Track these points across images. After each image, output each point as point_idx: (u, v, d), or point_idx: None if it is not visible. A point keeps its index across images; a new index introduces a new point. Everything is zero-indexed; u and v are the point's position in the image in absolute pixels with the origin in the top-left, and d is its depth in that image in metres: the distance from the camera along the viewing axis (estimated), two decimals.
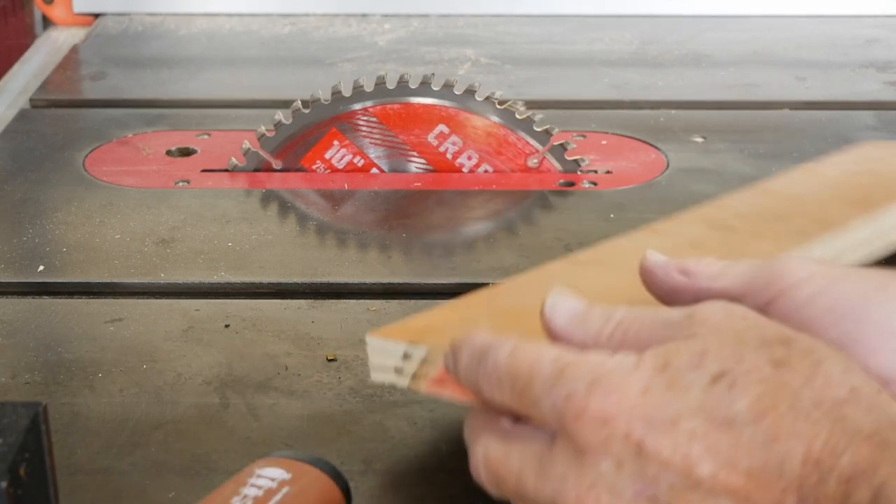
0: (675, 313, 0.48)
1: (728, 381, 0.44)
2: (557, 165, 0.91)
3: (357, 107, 0.90)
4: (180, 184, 0.90)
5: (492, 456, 0.49)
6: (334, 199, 0.88)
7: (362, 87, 0.90)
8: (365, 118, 0.90)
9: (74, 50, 1.23)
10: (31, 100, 1.09)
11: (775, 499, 0.42)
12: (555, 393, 0.46)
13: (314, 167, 0.91)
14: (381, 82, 0.90)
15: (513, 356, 0.48)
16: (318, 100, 0.90)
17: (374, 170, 0.92)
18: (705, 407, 0.44)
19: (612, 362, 0.46)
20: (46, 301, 0.74)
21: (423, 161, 0.91)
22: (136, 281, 0.76)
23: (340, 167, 0.91)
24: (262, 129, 0.92)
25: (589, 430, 0.45)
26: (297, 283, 0.75)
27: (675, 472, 0.44)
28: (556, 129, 0.91)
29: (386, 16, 1.35)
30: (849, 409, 0.43)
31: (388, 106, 0.90)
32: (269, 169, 0.91)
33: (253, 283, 0.76)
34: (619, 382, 0.45)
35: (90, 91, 1.14)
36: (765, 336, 0.45)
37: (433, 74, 0.90)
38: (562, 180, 0.91)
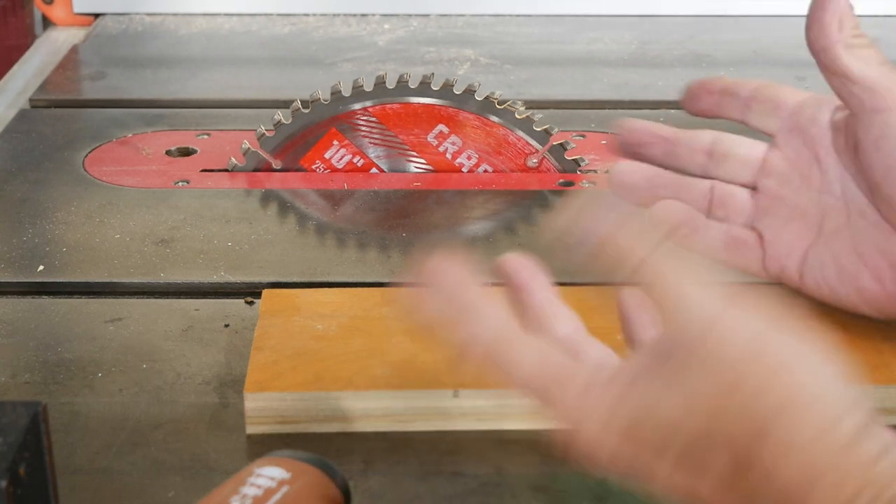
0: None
1: (697, 454, 0.45)
2: (557, 165, 0.91)
3: (357, 106, 0.90)
4: (180, 184, 0.90)
5: None
6: (334, 198, 0.88)
7: (362, 86, 0.90)
8: (364, 118, 0.90)
9: (74, 50, 1.23)
10: (30, 100, 1.09)
11: None
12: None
13: (314, 167, 0.91)
14: (380, 82, 0.90)
15: (491, 352, 0.49)
16: (318, 100, 0.90)
17: (374, 170, 0.92)
18: (679, 467, 0.45)
19: (588, 408, 0.47)
20: (46, 301, 0.74)
21: (422, 161, 0.91)
22: (136, 281, 0.76)
23: (340, 167, 0.91)
24: (262, 129, 0.92)
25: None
26: (297, 283, 0.75)
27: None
28: (556, 129, 0.91)
29: (385, 16, 1.35)
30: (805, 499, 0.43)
31: (388, 106, 0.90)
32: (269, 169, 0.91)
33: (253, 283, 0.76)
34: (595, 440, 0.46)
35: (90, 91, 1.14)
36: (738, 419, 0.44)
37: (433, 74, 0.90)
38: (561, 180, 0.91)
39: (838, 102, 0.64)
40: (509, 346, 0.48)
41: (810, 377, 0.43)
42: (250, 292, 0.75)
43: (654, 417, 0.45)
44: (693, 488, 0.45)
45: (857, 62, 0.60)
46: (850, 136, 0.63)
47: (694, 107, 0.68)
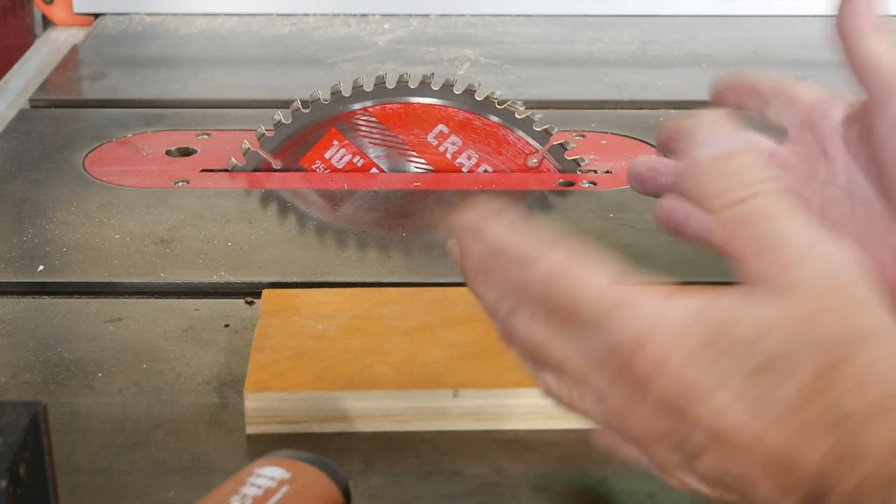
0: (792, 243, 0.45)
1: (772, 372, 0.44)
2: (557, 165, 0.91)
3: (357, 106, 0.90)
4: (180, 184, 0.90)
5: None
6: (334, 198, 0.88)
7: (362, 86, 0.90)
8: (364, 118, 0.90)
9: (74, 50, 1.23)
10: (31, 100, 1.09)
11: (783, 484, 0.44)
12: (595, 339, 0.46)
13: (314, 167, 0.91)
14: (380, 82, 0.90)
15: (549, 282, 0.47)
16: (318, 100, 0.90)
17: (374, 170, 0.92)
18: (744, 390, 0.44)
19: (665, 316, 0.45)
20: (46, 301, 0.74)
21: (422, 161, 0.91)
22: (136, 281, 0.76)
23: (340, 167, 0.91)
24: (262, 129, 0.92)
25: (628, 383, 0.45)
26: (297, 283, 0.75)
27: (703, 430, 0.44)
28: (556, 129, 0.91)
29: (385, 16, 1.35)
30: (872, 427, 0.43)
31: (388, 106, 0.90)
32: (269, 169, 0.91)
33: (253, 283, 0.76)
34: (664, 347, 0.45)
35: (90, 91, 1.14)
36: (829, 334, 0.44)
37: (433, 74, 0.90)
38: (561, 180, 0.91)
39: (850, 99, 0.66)
40: (575, 268, 0.47)
41: (888, 316, 0.45)
42: (250, 292, 0.75)
43: (738, 328, 0.44)
44: (750, 417, 0.44)
45: (881, 45, 0.63)
46: (866, 122, 0.64)
47: (720, 102, 0.71)
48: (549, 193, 0.89)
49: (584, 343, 0.46)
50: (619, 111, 1.07)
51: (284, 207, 0.87)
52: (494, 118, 0.90)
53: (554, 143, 0.91)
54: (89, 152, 0.96)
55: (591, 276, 0.47)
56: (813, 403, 0.44)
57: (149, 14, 1.34)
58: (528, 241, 0.48)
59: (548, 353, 0.47)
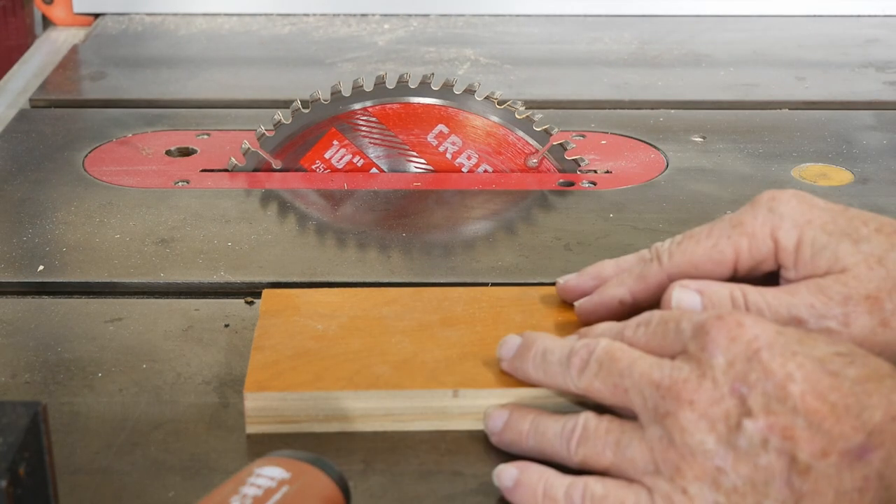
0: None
1: (849, 360, 0.52)
2: (557, 165, 0.91)
3: (356, 107, 0.90)
4: (180, 184, 0.90)
5: (615, 346, 0.57)
6: (334, 198, 0.88)
7: (362, 86, 0.90)
8: (364, 118, 0.90)
9: (74, 50, 1.23)
10: (31, 100, 1.09)
11: (845, 433, 0.50)
12: (698, 315, 0.55)
13: (314, 167, 0.91)
14: (380, 82, 0.90)
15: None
16: (318, 100, 0.90)
17: (374, 170, 0.92)
18: (823, 362, 0.52)
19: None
20: (46, 301, 0.75)
21: (422, 161, 0.91)
22: (136, 281, 0.76)
23: (340, 167, 0.91)
24: (262, 129, 0.92)
25: (721, 329, 0.53)
26: (297, 283, 0.75)
27: (772, 383, 0.51)
28: (556, 129, 0.91)
29: (385, 16, 1.35)
30: None
31: (388, 106, 0.90)
32: (269, 169, 0.91)
33: (253, 283, 0.76)
34: (761, 319, 0.54)
35: (90, 91, 1.14)
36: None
37: (432, 74, 0.90)
38: (561, 180, 0.91)
39: None
40: None
41: None
42: (250, 292, 0.75)
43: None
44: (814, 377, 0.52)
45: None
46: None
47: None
48: (548, 193, 0.89)
49: (687, 320, 0.56)
50: (618, 111, 1.07)
51: (284, 207, 0.87)
52: (494, 118, 0.90)
53: (554, 143, 0.91)
54: (89, 152, 0.96)
55: None
56: (889, 385, 0.51)
57: (149, 14, 1.34)
58: None
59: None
